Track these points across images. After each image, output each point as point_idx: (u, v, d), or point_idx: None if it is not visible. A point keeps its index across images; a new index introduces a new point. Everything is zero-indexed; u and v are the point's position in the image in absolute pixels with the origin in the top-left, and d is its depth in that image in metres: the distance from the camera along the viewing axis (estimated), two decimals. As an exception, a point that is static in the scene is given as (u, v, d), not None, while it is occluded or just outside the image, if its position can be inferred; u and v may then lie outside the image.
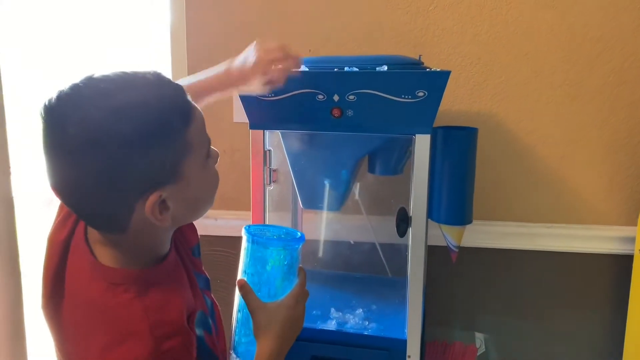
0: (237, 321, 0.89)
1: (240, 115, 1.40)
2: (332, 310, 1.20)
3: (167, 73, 1.55)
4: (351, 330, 1.13)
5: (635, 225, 1.31)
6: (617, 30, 1.30)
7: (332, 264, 1.41)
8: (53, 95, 0.65)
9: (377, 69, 1.00)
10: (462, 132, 1.20)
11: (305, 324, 1.13)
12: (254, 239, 0.88)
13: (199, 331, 0.79)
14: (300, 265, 0.92)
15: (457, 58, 1.36)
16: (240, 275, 0.89)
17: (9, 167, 1.67)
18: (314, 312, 1.20)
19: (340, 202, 1.19)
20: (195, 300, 0.81)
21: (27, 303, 1.29)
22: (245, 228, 0.91)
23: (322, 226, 1.39)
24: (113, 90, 0.65)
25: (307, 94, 1.02)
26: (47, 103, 0.64)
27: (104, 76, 0.67)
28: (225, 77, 0.97)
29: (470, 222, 1.21)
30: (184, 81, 0.99)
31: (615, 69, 1.32)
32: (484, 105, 1.38)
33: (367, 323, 1.16)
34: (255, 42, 0.96)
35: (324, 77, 1.01)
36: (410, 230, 1.07)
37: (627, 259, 1.33)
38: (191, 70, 1.47)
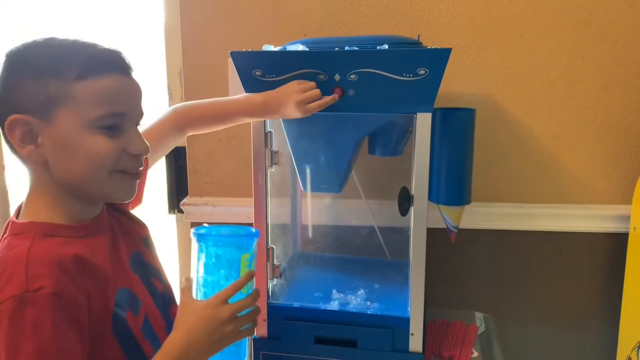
0: None
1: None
2: (334, 291, 1.20)
3: (162, 60, 1.54)
4: (354, 310, 1.14)
5: (630, 203, 1.33)
6: (610, 11, 1.32)
7: (331, 248, 1.41)
8: None
9: (378, 47, 1.01)
10: (460, 112, 1.21)
11: (308, 305, 1.15)
12: (193, 234, 0.87)
13: (119, 308, 0.79)
14: (251, 270, 0.88)
15: (452, 40, 1.37)
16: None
17: (3, 159, 1.67)
18: (316, 294, 1.21)
19: (340, 184, 1.19)
20: (118, 277, 0.81)
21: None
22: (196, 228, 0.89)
23: (321, 210, 1.40)
24: (52, 38, 0.77)
25: (308, 74, 1.02)
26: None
27: (66, 36, 0.78)
28: (261, 109, 1.03)
29: (468, 202, 1.22)
30: (206, 102, 1.09)
31: (609, 50, 1.34)
32: (480, 88, 1.39)
33: (369, 303, 1.16)
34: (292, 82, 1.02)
35: (326, 56, 1.01)
36: (412, 209, 1.07)
37: (623, 237, 1.35)
38: (186, 61, 1.46)
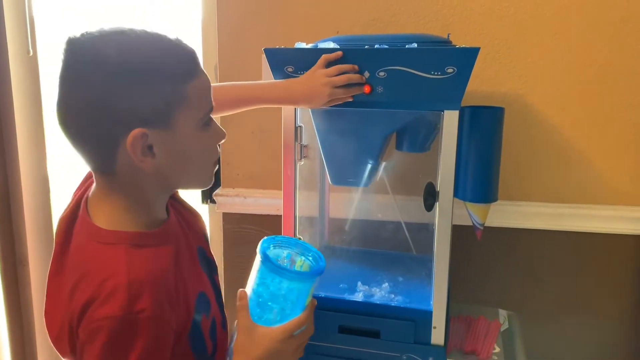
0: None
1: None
2: (359, 283, 1.23)
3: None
4: (378, 302, 1.16)
5: (661, 206, 1.31)
6: (647, 11, 1.30)
7: (357, 241, 1.44)
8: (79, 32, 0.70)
9: (407, 46, 1.03)
10: (489, 110, 1.21)
11: (332, 295, 1.18)
12: (264, 260, 0.85)
13: (197, 313, 0.79)
14: (313, 299, 0.89)
15: (484, 39, 1.37)
16: (247, 288, 0.88)
17: (45, 148, 1.76)
18: (341, 285, 1.24)
19: (369, 178, 1.22)
20: (195, 280, 0.81)
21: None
22: (262, 242, 0.88)
23: (349, 204, 1.42)
24: (129, 32, 0.70)
25: (338, 70, 1.05)
26: (71, 36, 0.69)
27: (131, 27, 0.72)
28: (286, 95, 1.04)
29: (495, 200, 1.23)
30: (230, 84, 1.08)
31: (644, 50, 1.32)
32: (511, 87, 1.39)
33: (393, 296, 1.19)
34: (316, 65, 1.03)
35: (355, 53, 1.04)
36: (437, 204, 1.09)
37: (651, 240, 1.34)
38: (222, 56, 1.51)
